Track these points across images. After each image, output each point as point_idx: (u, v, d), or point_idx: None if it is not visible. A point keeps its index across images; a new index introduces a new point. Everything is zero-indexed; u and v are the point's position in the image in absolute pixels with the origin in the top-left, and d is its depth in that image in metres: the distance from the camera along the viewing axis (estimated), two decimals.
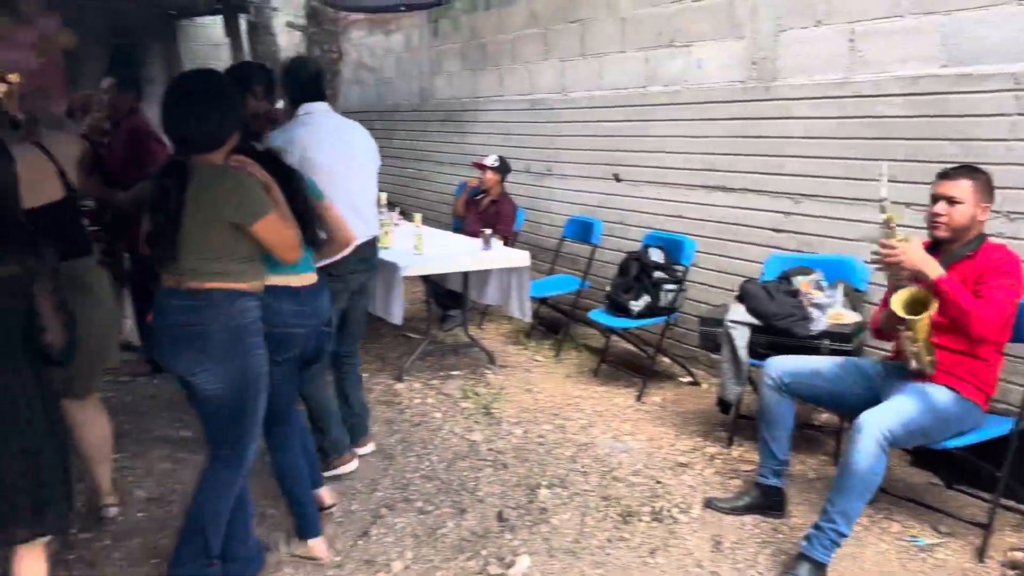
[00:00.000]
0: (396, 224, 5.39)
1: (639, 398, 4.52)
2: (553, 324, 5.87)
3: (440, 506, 3.35)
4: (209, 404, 2.47)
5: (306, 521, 2.93)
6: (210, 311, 2.39)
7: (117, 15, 9.24)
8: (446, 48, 7.44)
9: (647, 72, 5.14)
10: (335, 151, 3.38)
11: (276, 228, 2.45)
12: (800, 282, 3.73)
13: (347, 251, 3.05)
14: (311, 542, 2.93)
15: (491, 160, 5.81)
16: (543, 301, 5.69)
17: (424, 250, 4.81)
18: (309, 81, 3.49)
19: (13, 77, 7.53)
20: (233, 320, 2.42)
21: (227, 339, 2.42)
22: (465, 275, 5.13)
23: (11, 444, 2.13)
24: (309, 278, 2.76)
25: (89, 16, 8.91)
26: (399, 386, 4.75)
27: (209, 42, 9.65)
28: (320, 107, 3.49)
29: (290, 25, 7.57)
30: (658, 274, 4.50)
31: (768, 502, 3.25)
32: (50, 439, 2.21)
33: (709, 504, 3.33)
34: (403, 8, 4.51)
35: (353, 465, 3.62)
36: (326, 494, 3.26)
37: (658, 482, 3.54)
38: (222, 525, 2.57)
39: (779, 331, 3.64)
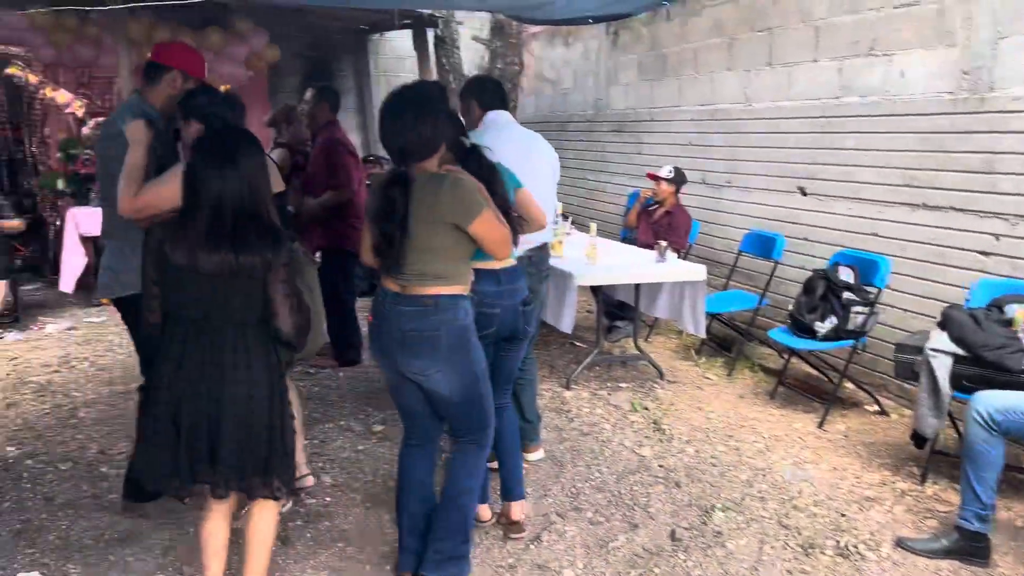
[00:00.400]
0: (568, 233, 5.42)
1: (821, 425, 4.28)
2: (726, 341, 5.69)
3: (611, 519, 3.32)
4: (445, 401, 2.65)
5: (511, 483, 3.17)
6: (439, 316, 2.53)
7: (315, 31, 9.91)
8: (624, 59, 7.42)
9: (841, 82, 4.88)
10: (517, 158, 3.44)
11: (492, 225, 2.56)
12: (1016, 311, 3.40)
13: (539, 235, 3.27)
14: (512, 504, 3.17)
15: (666, 171, 5.73)
16: (716, 317, 5.52)
17: (597, 260, 4.80)
18: (496, 90, 3.61)
19: (224, 88, 8.27)
20: (459, 322, 2.57)
21: (455, 342, 2.57)
22: (636, 286, 5.08)
23: (259, 415, 2.37)
24: (508, 260, 2.89)
25: (291, 32, 9.62)
26: (567, 394, 4.76)
27: (396, 55, 10.12)
28: (505, 116, 3.58)
29: (475, 39, 7.81)
30: (847, 295, 4.25)
31: (970, 548, 2.98)
32: (281, 411, 2.44)
33: (901, 544, 3.09)
34: (591, 20, 4.53)
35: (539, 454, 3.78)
36: (485, 511, 3.24)
37: (842, 515, 3.33)
38: (476, 503, 2.84)
39: (988, 363, 3.33)
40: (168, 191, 2.81)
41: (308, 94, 5.19)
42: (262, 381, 2.39)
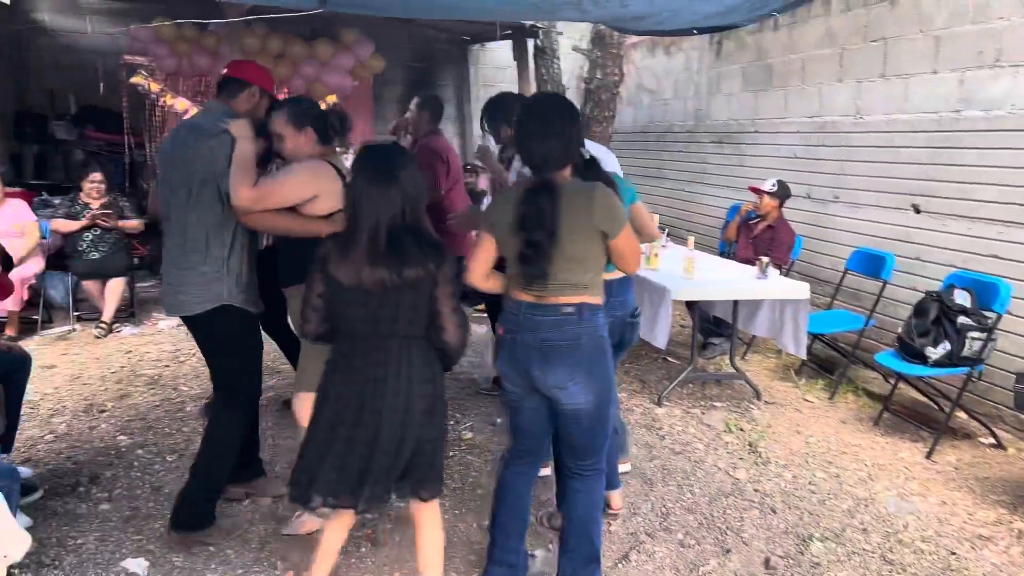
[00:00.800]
0: (664, 246, 5.33)
1: (929, 455, 4.05)
2: (828, 363, 5.47)
3: (702, 542, 3.23)
4: (576, 417, 2.59)
5: (608, 474, 3.10)
6: (580, 326, 2.51)
7: (418, 41, 10.13)
8: (727, 69, 7.26)
9: (962, 94, 4.63)
10: None
11: (632, 238, 2.57)
12: None
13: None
14: (611, 492, 3.26)
15: (769, 184, 5.57)
16: (818, 337, 5.32)
17: (695, 274, 4.70)
18: (511, 104, 3.64)
19: (331, 98, 8.52)
20: (597, 332, 2.56)
21: (595, 352, 2.55)
22: (735, 303, 4.94)
23: (416, 430, 2.42)
24: (618, 272, 2.86)
25: (395, 42, 9.87)
26: (659, 411, 4.67)
27: (496, 65, 10.24)
28: None
29: (575, 49, 7.80)
30: (963, 319, 4.01)
31: None
32: (441, 426, 2.53)
33: None
34: (695, 32, 4.44)
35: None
36: (616, 498, 3.39)
37: (953, 553, 3.14)
38: (601, 528, 2.81)
39: None
40: (287, 189, 2.94)
41: (413, 103, 5.28)
42: (426, 394, 2.43)
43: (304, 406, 3.14)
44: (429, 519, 2.61)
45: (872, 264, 4.99)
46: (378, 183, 2.35)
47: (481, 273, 2.63)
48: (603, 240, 2.50)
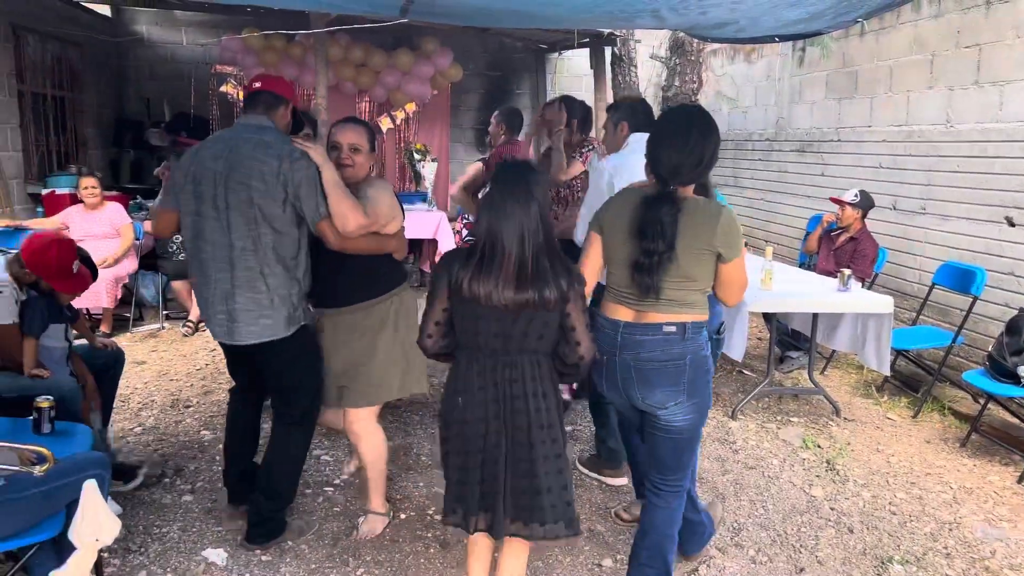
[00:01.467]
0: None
1: (1021, 480, 3.86)
2: (912, 380, 5.27)
3: (775, 559, 3.16)
4: (673, 434, 2.56)
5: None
6: (686, 345, 2.48)
7: (496, 50, 10.23)
8: (810, 76, 7.09)
9: None
10: None
11: (743, 268, 2.51)
12: None
13: None
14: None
15: (851, 195, 5.40)
16: (902, 353, 5.13)
17: (772, 286, 4.60)
18: (648, 116, 3.54)
19: (410, 107, 8.69)
20: (701, 351, 2.52)
21: (696, 372, 2.51)
22: (815, 316, 4.81)
23: (549, 447, 2.38)
24: None
25: (473, 51, 9.99)
26: (733, 424, 4.58)
27: (573, 74, 10.24)
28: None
29: (653, 57, 7.75)
30: None
31: None
32: (564, 444, 2.45)
33: None
34: (777, 39, 4.36)
35: (621, 481, 3.72)
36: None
37: None
38: (674, 549, 2.74)
39: None
40: (385, 211, 2.97)
41: (493, 116, 5.34)
42: (553, 409, 2.39)
43: (369, 420, 3.20)
44: (518, 550, 2.54)
45: (961, 278, 4.78)
46: (518, 201, 2.28)
47: (592, 271, 2.61)
48: (716, 262, 2.45)
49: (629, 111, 3.53)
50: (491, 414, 2.36)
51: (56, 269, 3.24)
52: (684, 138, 2.44)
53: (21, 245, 3.32)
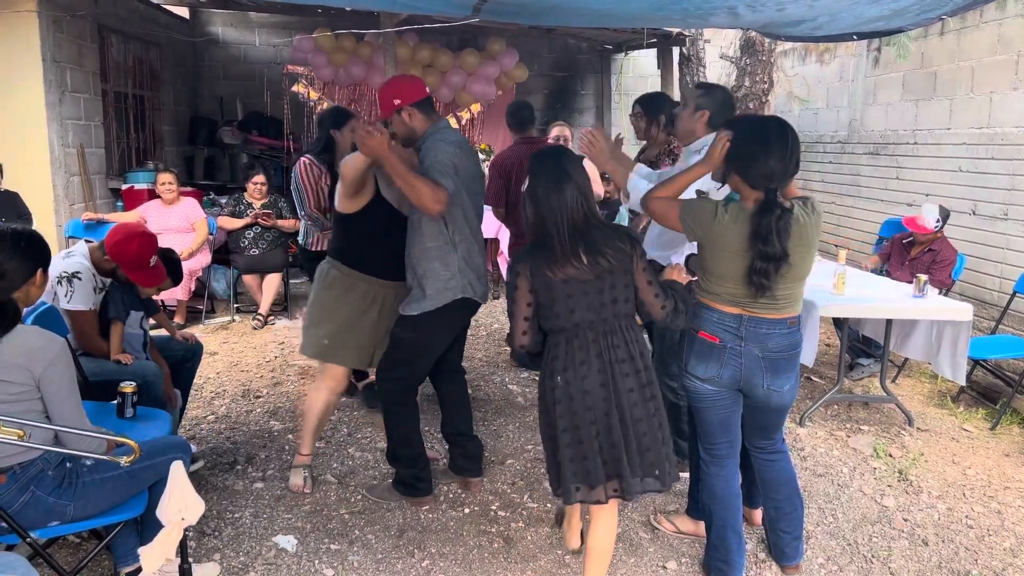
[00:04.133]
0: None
1: None
2: (989, 391, 5.09)
3: (844, 568, 3.08)
4: (784, 407, 2.80)
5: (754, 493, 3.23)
6: (799, 335, 2.72)
7: (561, 51, 10.23)
8: (886, 77, 6.91)
9: None
10: None
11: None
12: None
13: None
14: (753, 511, 3.31)
15: (933, 220, 5.05)
16: (980, 363, 4.96)
17: (844, 290, 4.49)
18: (732, 108, 3.44)
19: (475, 107, 8.75)
20: (802, 337, 2.78)
21: (799, 357, 2.77)
22: (888, 322, 4.68)
23: (657, 407, 2.59)
24: None
25: (539, 52, 10.01)
26: (801, 431, 4.49)
27: (639, 74, 10.19)
28: None
29: (723, 57, 7.65)
30: None
31: None
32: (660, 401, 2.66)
33: None
34: (855, 37, 4.26)
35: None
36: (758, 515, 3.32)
37: None
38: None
39: None
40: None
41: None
42: (651, 367, 2.58)
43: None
44: (609, 520, 2.66)
45: None
46: (556, 185, 2.48)
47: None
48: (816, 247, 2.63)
49: (719, 103, 3.33)
50: (597, 383, 2.48)
51: (134, 259, 3.35)
52: (785, 146, 2.54)
53: (108, 233, 3.45)
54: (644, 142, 4.33)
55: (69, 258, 3.40)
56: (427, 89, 3.34)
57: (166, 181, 6.31)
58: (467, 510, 3.47)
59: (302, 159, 4.45)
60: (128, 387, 3.03)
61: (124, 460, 2.35)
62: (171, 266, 3.59)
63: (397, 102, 3.22)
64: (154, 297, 3.80)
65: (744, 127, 2.66)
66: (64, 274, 3.30)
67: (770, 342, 2.64)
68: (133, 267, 3.37)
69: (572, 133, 5.22)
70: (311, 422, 3.61)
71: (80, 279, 3.32)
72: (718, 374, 2.69)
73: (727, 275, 2.61)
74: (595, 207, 2.54)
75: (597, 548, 2.66)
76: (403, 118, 3.24)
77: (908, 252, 5.34)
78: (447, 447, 3.74)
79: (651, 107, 4.19)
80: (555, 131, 5.15)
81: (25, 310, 2.67)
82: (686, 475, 3.30)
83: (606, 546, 2.67)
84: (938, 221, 5.11)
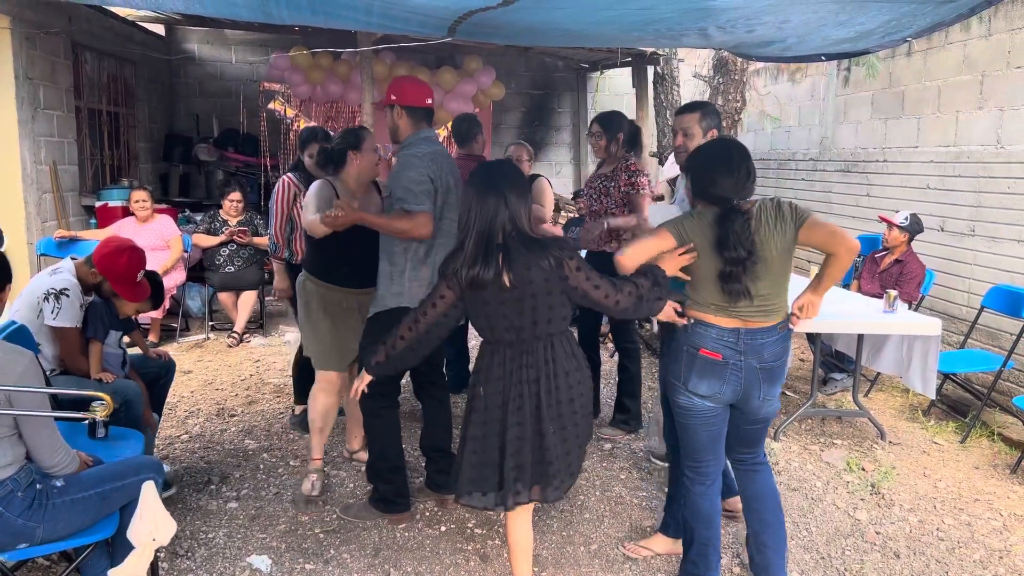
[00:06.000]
0: None
1: None
2: (960, 404, 5.17)
3: None
4: (766, 418, 2.85)
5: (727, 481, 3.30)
6: (787, 341, 2.78)
7: (537, 69, 10.32)
8: (856, 96, 7.04)
9: None
10: None
11: (820, 219, 2.73)
12: None
13: None
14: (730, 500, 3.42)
15: (901, 217, 5.29)
16: (950, 377, 5.04)
17: None
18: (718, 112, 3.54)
19: (452, 124, 8.80)
20: (789, 345, 2.80)
21: (788, 363, 2.83)
22: (860, 337, 4.75)
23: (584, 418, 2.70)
24: None
25: (516, 70, 10.09)
26: (775, 445, 4.53)
27: (614, 92, 10.30)
28: None
29: (696, 76, 7.76)
30: None
31: None
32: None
33: None
34: (823, 58, 4.35)
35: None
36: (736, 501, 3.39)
37: None
38: None
39: None
40: None
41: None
42: (575, 385, 2.63)
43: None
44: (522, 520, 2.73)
45: (1012, 302, 4.69)
46: (486, 195, 2.51)
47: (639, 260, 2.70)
48: (794, 244, 2.62)
49: (718, 118, 3.43)
50: (499, 402, 2.58)
51: (122, 273, 3.34)
52: (730, 162, 2.64)
53: (96, 247, 3.43)
54: (601, 159, 4.52)
55: (56, 275, 3.35)
56: (429, 101, 3.43)
57: (140, 199, 6.27)
58: (443, 528, 3.46)
59: (283, 178, 4.50)
60: (100, 409, 3.00)
61: (100, 413, 2.34)
62: (155, 288, 3.58)
63: (393, 98, 3.36)
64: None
65: (696, 154, 2.81)
66: (52, 290, 3.26)
67: (766, 351, 2.68)
68: (120, 280, 3.35)
69: (530, 154, 5.26)
70: (315, 426, 3.68)
71: (68, 296, 3.29)
72: (720, 391, 2.71)
73: (707, 278, 2.66)
74: (525, 224, 2.52)
75: (520, 546, 2.73)
76: (393, 114, 3.39)
77: (878, 265, 5.43)
78: (423, 463, 3.73)
79: (610, 126, 4.38)
80: (511, 150, 5.20)
81: None
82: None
83: (528, 544, 2.75)
84: (906, 220, 5.23)
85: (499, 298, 2.49)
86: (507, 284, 2.45)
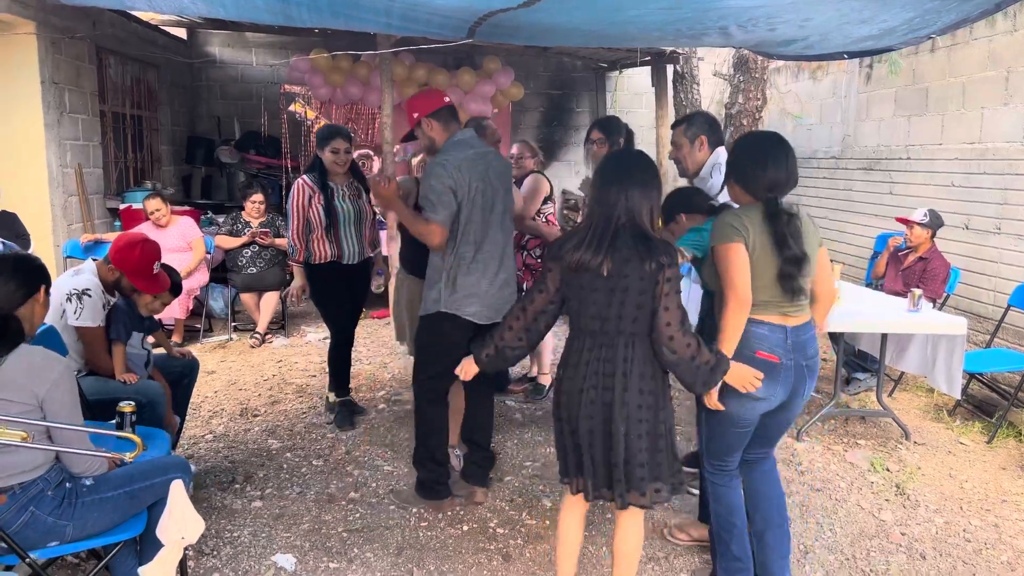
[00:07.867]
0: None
1: None
2: (985, 404, 5.11)
3: None
4: (794, 413, 2.84)
5: None
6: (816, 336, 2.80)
7: (556, 69, 10.31)
8: (878, 93, 6.98)
9: None
10: None
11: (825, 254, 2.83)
12: None
13: None
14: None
15: (919, 215, 5.25)
16: (976, 376, 4.98)
17: (840, 305, 4.51)
18: (718, 126, 3.55)
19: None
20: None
21: None
22: (883, 336, 4.70)
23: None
24: None
25: (535, 70, 10.09)
26: (798, 446, 4.50)
27: (633, 92, 10.26)
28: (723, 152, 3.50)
29: (716, 74, 7.72)
30: None
31: None
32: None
33: None
34: (846, 56, 4.31)
35: None
36: None
37: None
38: None
39: None
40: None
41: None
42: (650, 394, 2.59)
43: None
44: (628, 524, 2.70)
45: None
46: (611, 185, 2.53)
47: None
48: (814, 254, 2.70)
49: (706, 125, 3.45)
50: (577, 389, 2.57)
51: (137, 265, 3.38)
52: (785, 157, 2.67)
53: (111, 244, 3.48)
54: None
55: (79, 275, 3.42)
56: (445, 99, 3.51)
57: (155, 209, 6.24)
58: (465, 527, 3.47)
59: (298, 180, 4.51)
60: (127, 407, 3.03)
61: (128, 456, 2.37)
62: (173, 279, 3.61)
63: (416, 115, 3.47)
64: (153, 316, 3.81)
65: (745, 140, 2.80)
66: (74, 291, 3.32)
67: (809, 348, 2.70)
68: (137, 273, 3.40)
69: (534, 150, 5.27)
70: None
71: (90, 296, 3.35)
72: (774, 392, 2.69)
73: (763, 275, 2.61)
74: (644, 220, 2.50)
75: (620, 552, 2.71)
76: (423, 129, 3.49)
77: (901, 263, 5.39)
78: (461, 454, 3.89)
79: (611, 131, 4.39)
80: (514, 149, 5.20)
81: None
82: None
83: (629, 550, 2.70)
84: (925, 216, 5.19)
85: (593, 284, 2.49)
86: (604, 273, 2.46)
